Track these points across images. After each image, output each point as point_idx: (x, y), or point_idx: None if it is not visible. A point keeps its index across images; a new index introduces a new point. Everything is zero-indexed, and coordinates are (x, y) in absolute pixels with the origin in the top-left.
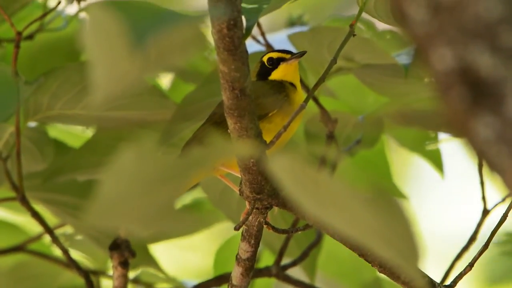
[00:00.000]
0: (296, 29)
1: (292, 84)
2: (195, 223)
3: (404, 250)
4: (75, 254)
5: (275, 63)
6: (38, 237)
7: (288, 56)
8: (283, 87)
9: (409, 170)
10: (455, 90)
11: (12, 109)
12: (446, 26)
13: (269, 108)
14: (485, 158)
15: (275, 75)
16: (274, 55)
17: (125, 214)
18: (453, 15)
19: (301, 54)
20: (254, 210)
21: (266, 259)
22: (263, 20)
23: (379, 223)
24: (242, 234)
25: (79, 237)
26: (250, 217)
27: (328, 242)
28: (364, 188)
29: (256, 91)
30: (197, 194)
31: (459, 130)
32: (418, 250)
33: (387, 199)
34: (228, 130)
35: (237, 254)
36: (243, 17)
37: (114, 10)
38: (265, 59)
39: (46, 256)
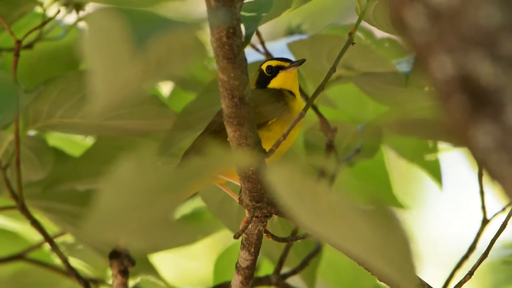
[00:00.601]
0: (295, 38)
1: (291, 93)
2: (194, 234)
3: (401, 264)
4: (75, 263)
5: (274, 71)
6: (38, 245)
7: (287, 64)
8: (282, 96)
9: (410, 179)
10: (455, 98)
11: (11, 115)
12: (446, 34)
13: (268, 117)
14: (485, 166)
15: (274, 83)
16: (273, 63)
17: (123, 225)
18: (453, 23)
19: (300, 62)
20: (254, 219)
21: (265, 268)
22: (263, 28)
23: (377, 236)
24: (242, 243)
25: (79, 246)
26: (250, 226)
27: (328, 250)
28: (363, 200)
29: (255, 99)
30: (197, 203)
31: (459, 138)
32: (415, 264)
33: (386, 213)
34: (227, 139)
35: (237, 262)
36: (242, 26)
37: (115, 15)
38: (264, 67)
39: (46, 265)
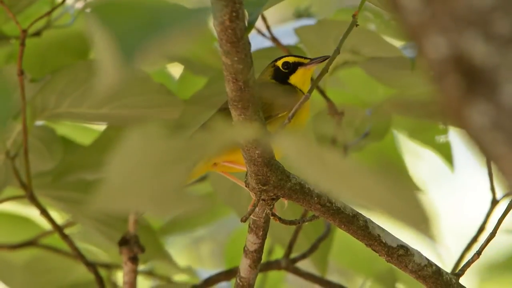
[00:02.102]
0: (303, 22)
1: (301, 91)
2: (205, 211)
3: (414, 216)
4: (92, 249)
5: (291, 67)
6: (51, 232)
7: (306, 61)
8: (294, 91)
9: (418, 162)
10: (450, 78)
11: (5, 115)
12: (439, 14)
13: (279, 110)
14: (480, 145)
15: (294, 79)
16: (291, 59)
17: (132, 196)
18: (446, 3)
19: (324, 58)
20: (261, 202)
21: (278, 252)
22: (270, 12)
23: (387, 192)
24: (249, 226)
25: (89, 233)
26: (257, 209)
27: (341, 233)
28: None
29: (270, 92)
30: (207, 188)
31: (454, 118)
32: (428, 214)
33: (392, 171)
34: (233, 122)
35: (245, 246)
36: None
37: (105, 15)
38: (280, 63)
39: (59, 251)
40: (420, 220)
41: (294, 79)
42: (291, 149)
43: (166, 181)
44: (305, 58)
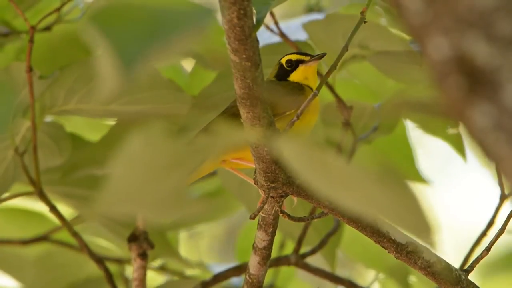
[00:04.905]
0: (312, 17)
1: (310, 88)
2: (211, 209)
3: (416, 223)
4: (104, 243)
5: (293, 65)
6: (62, 227)
7: (307, 58)
8: (302, 89)
9: (428, 157)
10: (452, 79)
11: (6, 120)
12: (442, 16)
13: (287, 107)
14: (482, 146)
15: (294, 76)
16: (293, 57)
17: (135, 200)
18: (448, 4)
19: (321, 56)
20: (270, 199)
21: (290, 246)
22: (279, 6)
23: (390, 200)
24: (258, 223)
25: (99, 228)
26: (266, 206)
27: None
28: (375, 168)
29: (277, 90)
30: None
31: (456, 119)
32: (430, 222)
33: (396, 177)
34: (241, 120)
35: (254, 243)
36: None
37: (105, 23)
38: (284, 61)
39: (71, 246)
40: (422, 228)
41: (294, 76)
42: (293, 153)
43: (169, 184)
44: (308, 55)
